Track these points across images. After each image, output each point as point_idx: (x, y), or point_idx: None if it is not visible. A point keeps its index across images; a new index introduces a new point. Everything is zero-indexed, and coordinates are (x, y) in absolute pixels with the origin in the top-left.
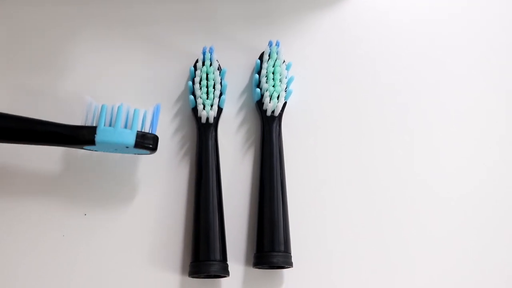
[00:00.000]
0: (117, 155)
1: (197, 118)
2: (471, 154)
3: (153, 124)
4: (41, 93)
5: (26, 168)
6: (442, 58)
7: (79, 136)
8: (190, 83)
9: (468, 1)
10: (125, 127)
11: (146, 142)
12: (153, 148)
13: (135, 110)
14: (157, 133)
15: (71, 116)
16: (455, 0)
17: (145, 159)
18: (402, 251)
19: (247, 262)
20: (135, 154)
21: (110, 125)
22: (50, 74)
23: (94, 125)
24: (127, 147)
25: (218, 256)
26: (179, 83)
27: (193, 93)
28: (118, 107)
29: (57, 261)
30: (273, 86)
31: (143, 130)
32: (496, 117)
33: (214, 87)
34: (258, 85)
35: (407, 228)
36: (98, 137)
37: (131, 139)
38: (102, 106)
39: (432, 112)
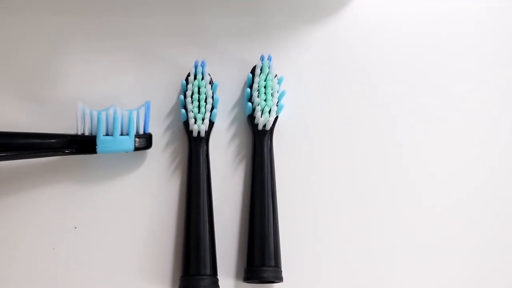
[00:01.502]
0: (107, 166)
1: (189, 132)
2: (464, 163)
3: (146, 122)
4: (33, 103)
5: (15, 180)
6: (435, 71)
7: (81, 147)
8: (182, 97)
9: (460, 15)
10: (121, 130)
11: (144, 144)
12: (149, 147)
13: (129, 114)
14: None
15: (63, 126)
16: (447, 12)
17: (136, 172)
18: (395, 266)
19: (237, 277)
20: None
21: (107, 133)
22: (41, 85)
23: (91, 132)
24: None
25: (208, 270)
26: (171, 96)
27: (185, 107)
28: (114, 116)
29: (47, 274)
30: (265, 100)
31: (138, 131)
32: (490, 123)
33: (205, 101)
34: (250, 99)
35: (400, 244)
36: (99, 148)
37: (130, 145)
38: (98, 116)
39: (426, 123)
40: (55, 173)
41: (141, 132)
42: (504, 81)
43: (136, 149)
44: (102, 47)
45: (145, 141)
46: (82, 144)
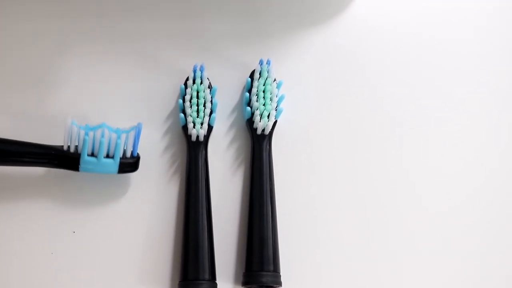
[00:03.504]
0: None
1: (187, 136)
2: (463, 164)
3: (135, 145)
4: (29, 108)
5: (14, 185)
6: (435, 74)
7: (64, 163)
8: (181, 101)
9: (460, 18)
10: (108, 151)
11: (129, 168)
12: (135, 170)
13: (117, 136)
14: (146, 151)
15: (60, 132)
16: (447, 16)
17: (135, 177)
18: (395, 269)
19: (236, 281)
20: None
21: (92, 153)
22: (39, 89)
23: (76, 150)
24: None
25: (207, 275)
26: (170, 100)
27: (184, 111)
28: (100, 140)
29: (46, 279)
30: (264, 104)
31: (125, 154)
32: (490, 125)
33: (204, 105)
34: (249, 103)
35: (400, 248)
36: (81, 168)
37: (114, 169)
38: (84, 138)
39: (427, 126)
40: (54, 177)
41: (129, 154)
42: (504, 83)
43: (120, 172)
44: (101, 50)
45: (130, 165)
46: (66, 160)
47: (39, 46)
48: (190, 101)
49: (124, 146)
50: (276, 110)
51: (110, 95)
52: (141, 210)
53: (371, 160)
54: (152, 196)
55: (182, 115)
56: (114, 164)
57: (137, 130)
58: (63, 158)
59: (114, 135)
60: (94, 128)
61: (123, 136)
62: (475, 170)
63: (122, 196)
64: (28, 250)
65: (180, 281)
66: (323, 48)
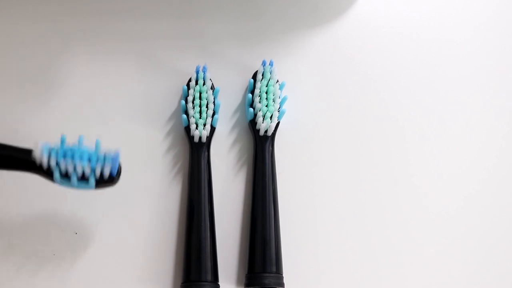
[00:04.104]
0: None
1: (190, 137)
2: (465, 167)
3: (112, 168)
4: (29, 108)
5: (15, 185)
6: (438, 76)
7: (42, 172)
8: (183, 102)
9: (460, 20)
10: (83, 170)
11: (107, 184)
12: (116, 183)
13: (92, 165)
14: (148, 152)
15: (60, 132)
16: (447, 18)
17: (137, 178)
18: (397, 274)
19: (238, 283)
20: None
21: (66, 173)
22: (38, 89)
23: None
24: None
25: (209, 276)
26: (172, 101)
27: (186, 112)
28: (72, 171)
29: (47, 280)
30: (266, 106)
31: (102, 174)
32: (491, 127)
33: (207, 106)
34: (251, 104)
35: (403, 252)
36: (56, 182)
37: (90, 187)
38: (55, 166)
39: (429, 129)
40: None
41: (107, 175)
42: (505, 85)
43: (98, 188)
44: (102, 51)
45: (107, 182)
46: (42, 171)
47: (40, 46)
48: (193, 102)
49: (100, 168)
50: (278, 111)
51: (112, 96)
52: (143, 211)
53: (374, 162)
54: (155, 197)
55: (184, 116)
56: (88, 185)
57: (114, 158)
58: (40, 169)
59: (87, 165)
60: (67, 151)
61: (98, 165)
62: (477, 171)
63: (125, 197)
64: (30, 251)
65: (182, 283)
66: (326, 50)
